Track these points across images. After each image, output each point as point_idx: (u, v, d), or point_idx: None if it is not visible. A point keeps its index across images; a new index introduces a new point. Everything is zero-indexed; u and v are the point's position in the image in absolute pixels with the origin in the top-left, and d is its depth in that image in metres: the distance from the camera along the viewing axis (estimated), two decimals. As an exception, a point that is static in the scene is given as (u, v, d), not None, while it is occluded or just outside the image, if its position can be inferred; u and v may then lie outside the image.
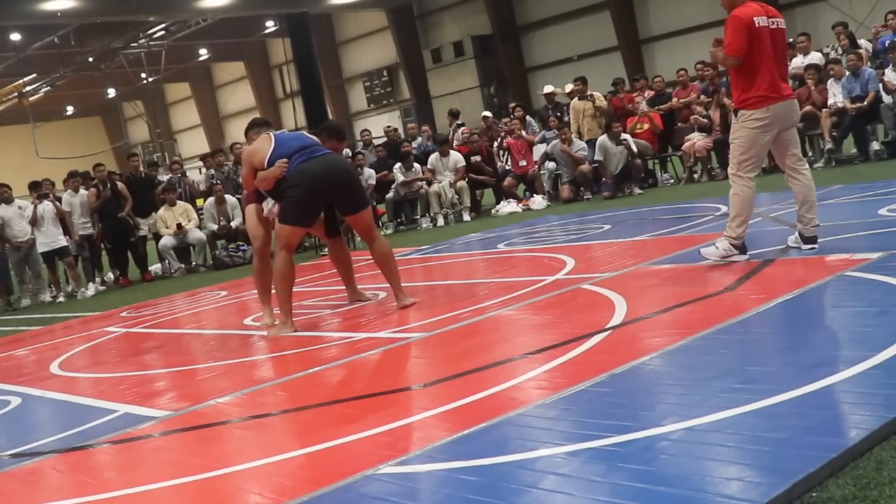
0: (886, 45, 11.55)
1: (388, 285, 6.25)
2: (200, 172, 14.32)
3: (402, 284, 6.20)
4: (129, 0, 23.52)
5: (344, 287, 6.77)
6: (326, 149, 6.10)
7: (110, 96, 37.83)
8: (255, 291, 6.74)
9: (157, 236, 13.08)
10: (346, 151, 14.38)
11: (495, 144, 14.47)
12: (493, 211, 13.42)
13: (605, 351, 4.02)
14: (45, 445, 4.11)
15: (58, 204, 12.27)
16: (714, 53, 5.74)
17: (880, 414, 2.69)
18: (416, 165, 13.70)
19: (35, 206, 11.82)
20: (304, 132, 6.57)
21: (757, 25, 5.41)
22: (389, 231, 13.25)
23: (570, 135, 13.01)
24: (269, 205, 6.32)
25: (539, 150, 13.81)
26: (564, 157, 12.99)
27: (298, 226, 6.04)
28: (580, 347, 4.10)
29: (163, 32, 28.79)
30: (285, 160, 5.91)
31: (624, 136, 12.61)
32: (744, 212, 5.53)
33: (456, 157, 13.66)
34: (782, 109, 5.52)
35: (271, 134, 6.17)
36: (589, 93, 13.67)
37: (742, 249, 5.56)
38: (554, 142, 13.25)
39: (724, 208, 8.29)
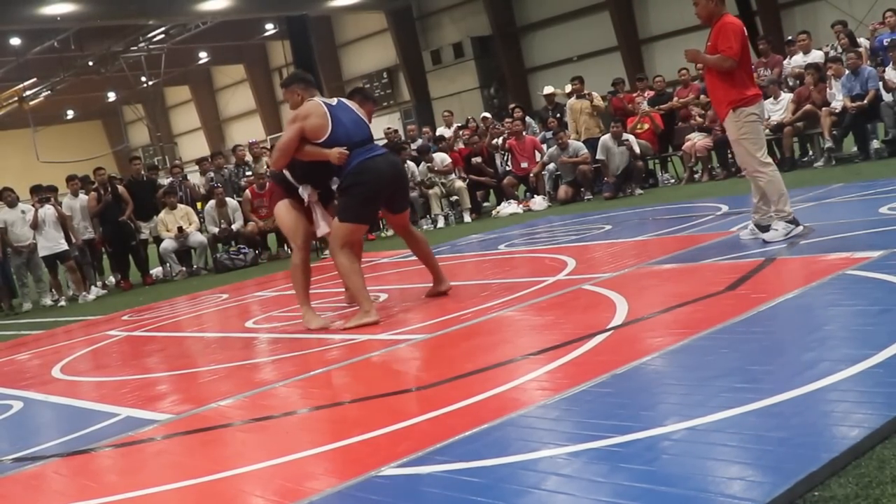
0: (884, 43, 11.55)
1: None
2: (202, 177, 14.29)
3: (403, 287, 6.20)
4: (128, 4, 23.54)
5: (344, 290, 6.69)
6: (365, 119, 6.04)
7: (110, 100, 37.89)
8: (258, 294, 6.72)
9: (158, 240, 13.09)
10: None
11: (495, 142, 14.45)
12: (493, 212, 13.43)
13: (606, 351, 4.02)
14: (47, 449, 4.11)
15: (59, 208, 12.28)
16: (698, 57, 6.22)
17: (882, 412, 2.69)
18: (413, 167, 13.71)
19: (36, 210, 11.84)
20: (344, 100, 6.12)
21: (745, 34, 6.03)
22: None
23: (566, 138, 13.02)
24: (308, 191, 6.04)
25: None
26: (563, 163, 13.01)
27: (361, 223, 5.99)
28: (581, 348, 4.10)
29: (162, 36, 28.83)
30: (346, 150, 5.72)
31: (626, 136, 12.62)
32: (783, 189, 6.00)
33: (440, 157, 13.66)
34: (763, 106, 6.28)
35: (326, 108, 5.84)
36: (586, 92, 13.69)
37: (796, 222, 6.01)
38: (551, 150, 13.27)
39: (724, 208, 8.31)
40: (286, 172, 6.09)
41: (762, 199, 6.16)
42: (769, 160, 6.13)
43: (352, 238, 5.94)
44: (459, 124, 15.78)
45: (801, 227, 6.02)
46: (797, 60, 12.38)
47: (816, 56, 12.29)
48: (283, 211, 6.13)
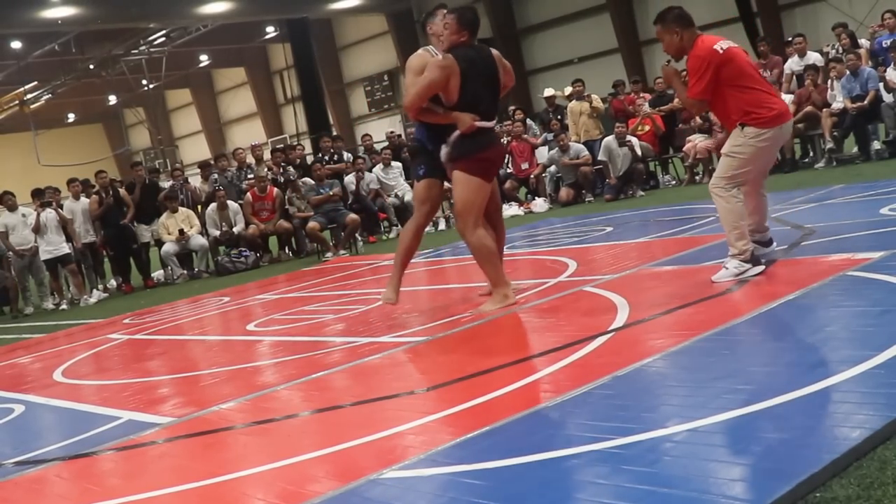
0: (883, 44, 11.56)
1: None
2: (203, 182, 14.24)
3: (401, 289, 6.09)
4: (129, 7, 23.56)
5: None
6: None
7: (111, 103, 37.90)
8: (260, 297, 6.69)
9: (160, 243, 13.09)
10: (347, 156, 14.39)
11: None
12: (494, 214, 13.41)
13: (607, 353, 4.02)
14: (49, 453, 4.11)
15: (60, 211, 12.29)
16: (674, 81, 5.62)
17: (883, 413, 2.69)
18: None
19: (38, 214, 11.85)
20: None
21: (720, 51, 5.12)
22: (392, 235, 13.25)
23: (567, 140, 13.03)
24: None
25: (542, 153, 13.82)
26: (564, 166, 13.01)
27: None
28: (583, 350, 4.10)
29: (163, 39, 28.83)
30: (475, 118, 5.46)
31: (628, 137, 12.63)
32: (740, 224, 5.07)
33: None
34: (787, 129, 5.32)
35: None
36: (586, 94, 13.71)
37: (754, 262, 5.09)
38: (552, 152, 13.28)
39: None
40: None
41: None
42: (733, 191, 5.16)
43: None
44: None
45: (759, 269, 5.11)
46: (792, 64, 12.36)
47: (813, 58, 12.28)
48: (477, 185, 5.54)
